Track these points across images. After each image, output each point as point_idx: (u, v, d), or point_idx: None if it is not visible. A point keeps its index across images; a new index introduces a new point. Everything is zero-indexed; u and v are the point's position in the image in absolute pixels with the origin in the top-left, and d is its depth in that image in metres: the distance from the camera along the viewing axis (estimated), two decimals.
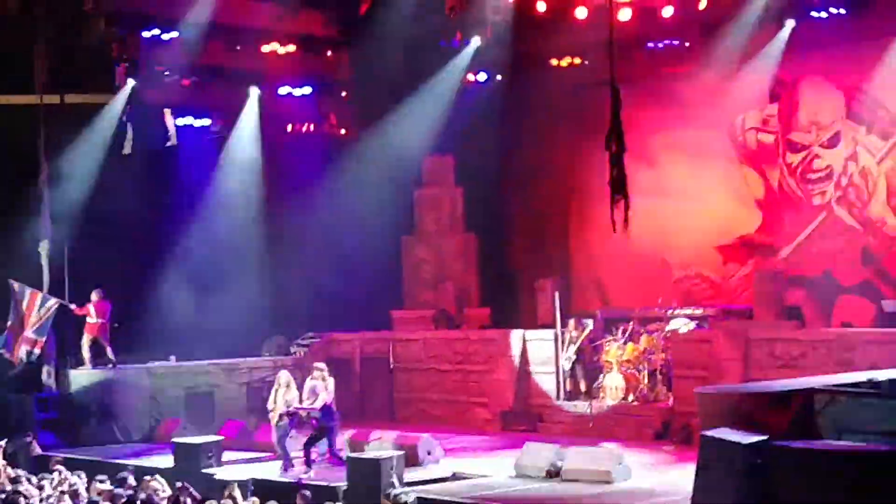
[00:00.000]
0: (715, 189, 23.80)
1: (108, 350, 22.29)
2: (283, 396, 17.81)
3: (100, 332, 22.17)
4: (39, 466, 19.40)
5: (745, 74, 22.96)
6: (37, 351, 21.66)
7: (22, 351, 21.52)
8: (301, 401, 17.74)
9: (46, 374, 22.26)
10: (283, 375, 18.19)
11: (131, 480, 16.57)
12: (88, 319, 22.18)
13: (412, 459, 17.19)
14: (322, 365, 18.07)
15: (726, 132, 23.69)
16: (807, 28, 21.54)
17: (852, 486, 11.33)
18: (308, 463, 17.46)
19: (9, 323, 21.64)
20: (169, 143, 25.39)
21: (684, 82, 23.74)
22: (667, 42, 23.36)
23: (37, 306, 21.67)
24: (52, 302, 21.87)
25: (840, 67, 21.96)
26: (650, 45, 23.39)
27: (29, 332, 21.51)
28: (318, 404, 17.45)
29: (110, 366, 22.32)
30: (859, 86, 21.76)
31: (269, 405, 18.18)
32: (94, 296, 22.11)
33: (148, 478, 16.26)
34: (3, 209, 23.51)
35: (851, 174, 22.00)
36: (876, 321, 19.82)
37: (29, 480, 16.70)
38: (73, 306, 22.14)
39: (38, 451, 20.20)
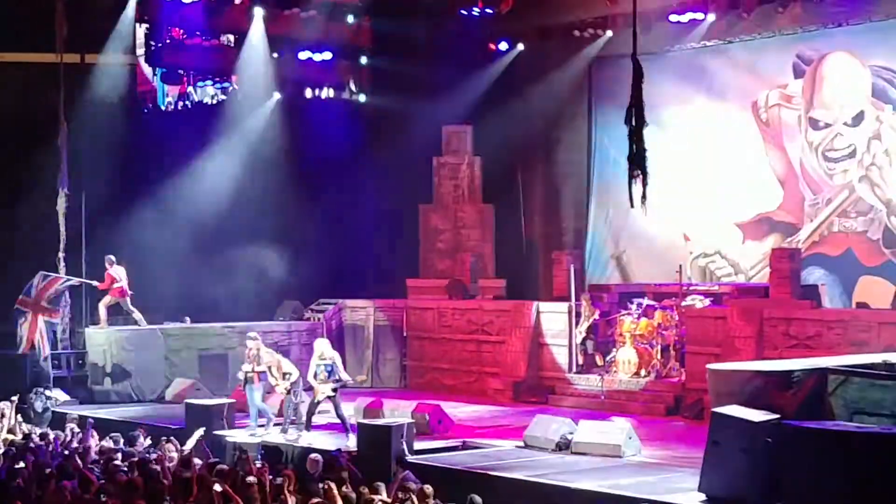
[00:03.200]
0: (736, 165, 23.60)
1: (135, 312, 22.24)
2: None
3: (121, 295, 22.13)
4: (54, 423, 19.58)
5: (770, 49, 22.77)
6: (55, 321, 21.70)
7: (38, 329, 21.43)
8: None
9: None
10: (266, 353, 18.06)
11: (143, 440, 16.68)
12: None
13: (422, 428, 17.19)
14: (323, 342, 17.92)
15: (749, 108, 23.48)
16: (833, 3, 21.27)
17: (864, 469, 11.27)
18: (308, 427, 17.38)
19: (20, 297, 21.63)
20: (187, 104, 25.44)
21: (708, 56, 23.56)
22: (691, 15, 23.10)
23: (56, 285, 21.74)
24: (74, 281, 22.03)
25: (866, 44, 21.68)
26: (673, 17, 23.15)
27: (44, 303, 21.51)
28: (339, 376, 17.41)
29: (136, 326, 22.32)
30: (886, 64, 21.50)
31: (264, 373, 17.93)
32: (107, 264, 22.05)
33: (164, 439, 16.33)
34: (24, 166, 23.55)
35: (875, 153, 21.75)
36: (893, 303, 19.67)
37: (43, 437, 16.82)
38: (95, 283, 22.14)
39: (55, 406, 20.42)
